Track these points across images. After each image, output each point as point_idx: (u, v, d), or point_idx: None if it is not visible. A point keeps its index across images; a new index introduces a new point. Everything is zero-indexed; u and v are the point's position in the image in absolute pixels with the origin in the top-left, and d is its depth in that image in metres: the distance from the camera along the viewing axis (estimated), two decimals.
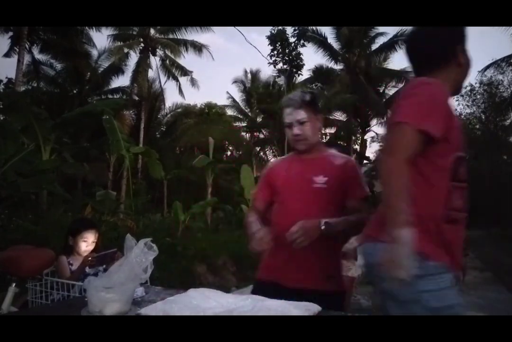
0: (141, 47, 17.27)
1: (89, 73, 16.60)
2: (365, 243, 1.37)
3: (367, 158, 20.68)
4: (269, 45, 10.60)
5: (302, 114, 1.72)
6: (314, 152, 1.79)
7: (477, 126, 21.82)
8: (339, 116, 18.73)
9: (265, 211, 1.86)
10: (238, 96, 19.60)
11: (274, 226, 1.73)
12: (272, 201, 1.85)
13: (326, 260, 1.70)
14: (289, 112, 1.75)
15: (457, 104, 22.03)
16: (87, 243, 2.48)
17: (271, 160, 2.25)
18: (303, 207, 1.70)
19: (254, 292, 1.63)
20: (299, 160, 1.81)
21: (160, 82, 19.06)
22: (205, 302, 1.26)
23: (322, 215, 1.62)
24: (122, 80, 34.80)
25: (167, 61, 17.93)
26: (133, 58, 17.51)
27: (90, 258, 2.30)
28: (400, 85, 19.98)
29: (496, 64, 16.25)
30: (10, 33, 13.54)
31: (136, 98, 18.04)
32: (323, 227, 1.53)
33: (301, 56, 10.78)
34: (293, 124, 1.74)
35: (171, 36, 17.73)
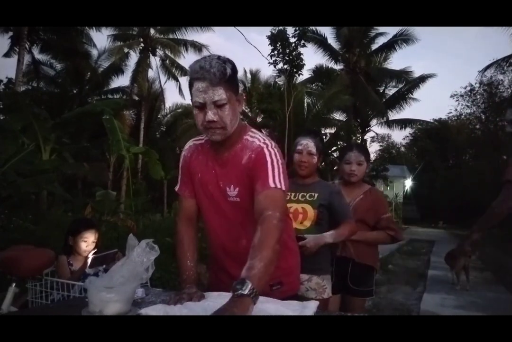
0: (141, 47, 17.30)
1: (89, 73, 16.63)
2: None
3: None
4: (269, 45, 10.59)
5: (220, 94, 1.28)
6: (227, 146, 1.41)
7: (477, 126, 21.83)
8: (339, 116, 18.74)
9: (198, 211, 1.55)
10: None
11: (207, 236, 1.55)
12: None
13: None
14: (202, 88, 1.28)
15: (457, 104, 22.08)
16: (87, 243, 2.48)
17: (187, 144, 1.52)
18: (223, 223, 1.46)
19: None
20: (213, 159, 1.45)
21: (160, 82, 19.13)
22: (204, 301, 1.26)
23: (244, 229, 1.42)
24: (122, 80, 34.86)
25: (167, 61, 17.96)
26: (133, 58, 17.58)
27: (90, 259, 2.30)
28: (400, 85, 20.05)
29: (496, 64, 16.28)
30: (10, 33, 13.56)
31: (136, 98, 18.06)
32: (244, 292, 1.03)
33: (301, 56, 10.75)
34: (207, 106, 1.29)
35: (171, 36, 17.76)
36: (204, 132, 1.36)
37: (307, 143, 2.13)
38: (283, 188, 1.31)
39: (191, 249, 1.48)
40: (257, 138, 1.42)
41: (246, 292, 1.01)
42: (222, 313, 0.96)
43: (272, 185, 1.30)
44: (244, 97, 1.43)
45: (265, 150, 1.37)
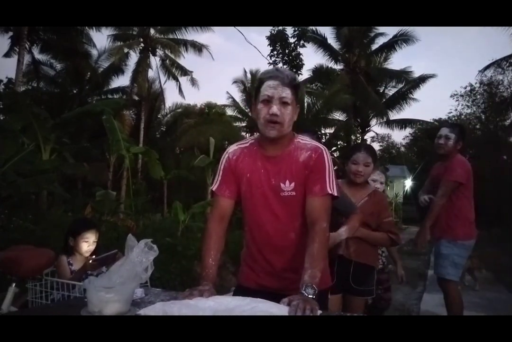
0: (141, 47, 17.26)
1: (89, 73, 16.59)
2: None
3: None
4: (269, 46, 10.60)
5: (288, 93, 1.43)
6: (279, 147, 1.52)
7: (477, 126, 21.81)
8: (339, 116, 18.70)
9: (232, 212, 1.59)
10: (238, 96, 19.53)
11: (247, 233, 1.62)
12: (239, 198, 1.59)
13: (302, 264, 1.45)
14: (273, 85, 1.43)
15: (457, 104, 22.08)
16: (88, 243, 2.47)
17: (231, 148, 1.73)
18: (271, 218, 1.52)
19: (236, 295, 1.51)
20: (263, 159, 1.53)
21: (160, 82, 19.06)
22: (204, 302, 1.26)
23: (292, 223, 1.52)
24: (122, 80, 34.81)
25: (167, 61, 17.92)
26: (133, 58, 17.52)
27: (91, 261, 2.30)
28: (400, 85, 20.02)
29: (496, 64, 16.26)
30: (10, 33, 13.54)
31: (136, 98, 18.03)
32: (311, 296, 1.26)
33: (301, 56, 10.77)
34: (273, 101, 1.43)
35: (171, 36, 17.72)
36: (263, 126, 1.47)
37: None
38: (335, 194, 1.48)
39: (215, 248, 1.53)
40: (310, 141, 1.56)
41: (314, 296, 1.26)
42: (310, 309, 1.14)
43: (329, 190, 1.46)
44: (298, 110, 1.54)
45: (324, 153, 1.50)
